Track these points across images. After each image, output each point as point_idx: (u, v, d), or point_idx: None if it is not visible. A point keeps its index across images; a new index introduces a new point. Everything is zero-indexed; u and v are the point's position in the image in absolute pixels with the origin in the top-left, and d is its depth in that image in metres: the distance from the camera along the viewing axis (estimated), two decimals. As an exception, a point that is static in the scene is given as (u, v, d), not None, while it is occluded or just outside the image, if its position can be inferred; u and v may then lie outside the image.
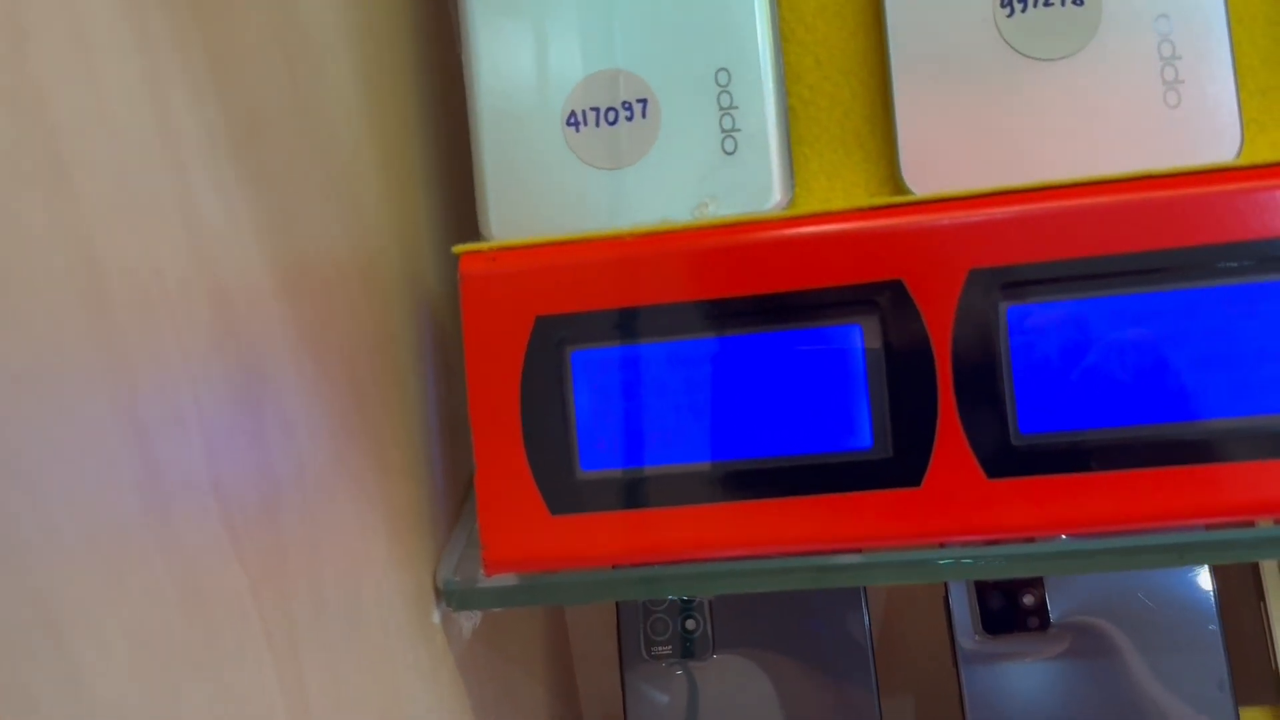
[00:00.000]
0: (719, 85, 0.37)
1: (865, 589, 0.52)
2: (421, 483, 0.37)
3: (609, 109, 0.37)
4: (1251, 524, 0.34)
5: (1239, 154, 0.35)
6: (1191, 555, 0.34)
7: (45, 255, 0.19)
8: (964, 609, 0.51)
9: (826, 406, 0.34)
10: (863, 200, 0.37)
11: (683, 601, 0.53)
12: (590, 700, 0.64)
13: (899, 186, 0.36)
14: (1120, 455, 0.33)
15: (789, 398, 0.34)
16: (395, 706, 0.33)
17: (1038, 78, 0.36)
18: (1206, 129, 0.35)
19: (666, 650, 0.53)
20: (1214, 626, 0.50)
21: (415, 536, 0.36)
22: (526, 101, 0.37)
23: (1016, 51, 0.36)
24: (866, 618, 0.53)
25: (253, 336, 0.26)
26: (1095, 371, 0.33)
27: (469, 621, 0.40)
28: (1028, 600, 0.51)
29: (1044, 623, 0.51)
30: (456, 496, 0.41)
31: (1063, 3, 0.35)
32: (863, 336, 0.34)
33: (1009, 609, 0.51)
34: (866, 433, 0.34)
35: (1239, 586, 0.50)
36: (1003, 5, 0.36)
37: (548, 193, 0.37)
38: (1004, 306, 0.33)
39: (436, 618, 0.37)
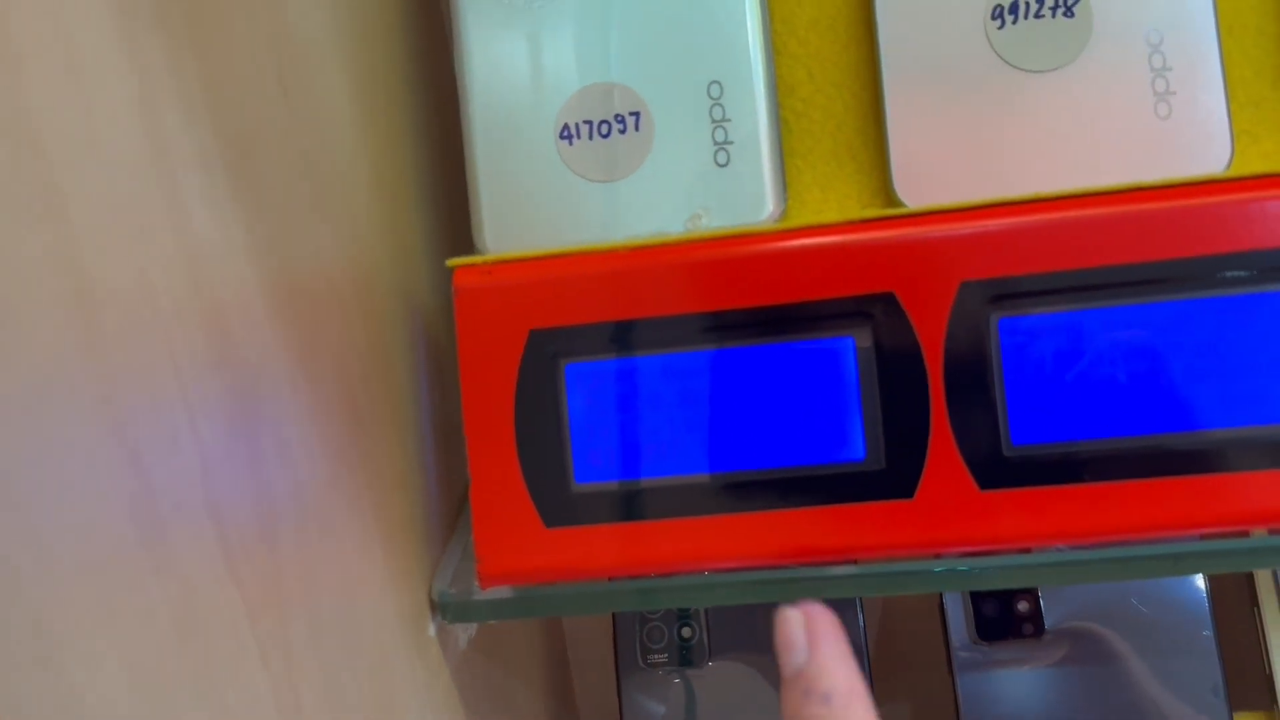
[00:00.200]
0: (711, 98, 0.37)
1: (860, 597, 0.52)
2: (417, 496, 0.37)
3: (602, 122, 0.37)
4: (1246, 534, 0.34)
5: (1230, 165, 0.35)
6: (1186, 565, 0.34)
7: (37, 280, 0.19)
8: (959, 616, 0.51)
9: (819, 418, 0.34)
10: (855, 212, 0.37)
11: (679, 609, 0.53)
12: (588, 708, 0.64)
13: (891, 198, 0.36)
14: (1112, 466, 0.33)
15: (781, 410, 0.34)
16: (391, 721, 0.33)
17: (1029, 89, 0.36)
18: (1198, 140, 0.35)
19: (663, 658, 0.53)
20: (1208, 632, 0.50)
21: (411, 550, 0.36)
22: (520, 115, 0.37)
23: (1008, 64, 0.36)
24: (862, 625, 0.53)
25: (247, 356, 0.26)
26: (1086, 383, 0.33)
27: (465, 633, 0.40)
28: (1022, 607, 0.51)
29: (1039, 629, 0.51)
30: (452, 509, 0.41)
31: (1054, 15, 0.36)
32: (855, 348, 0.34)
33: (1004, 616, 0.51)
34: (859, 444, 0.34)
35: (1233, 592, 0.50)
36: (994, 17, 0.36)
37: (541, 206, 0.37)
38: (995, 318, 0.33)
39: (432, 630, 0.37)
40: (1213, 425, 0.32)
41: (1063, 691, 0.51)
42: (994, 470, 0.33)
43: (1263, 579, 0.48)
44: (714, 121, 0.37)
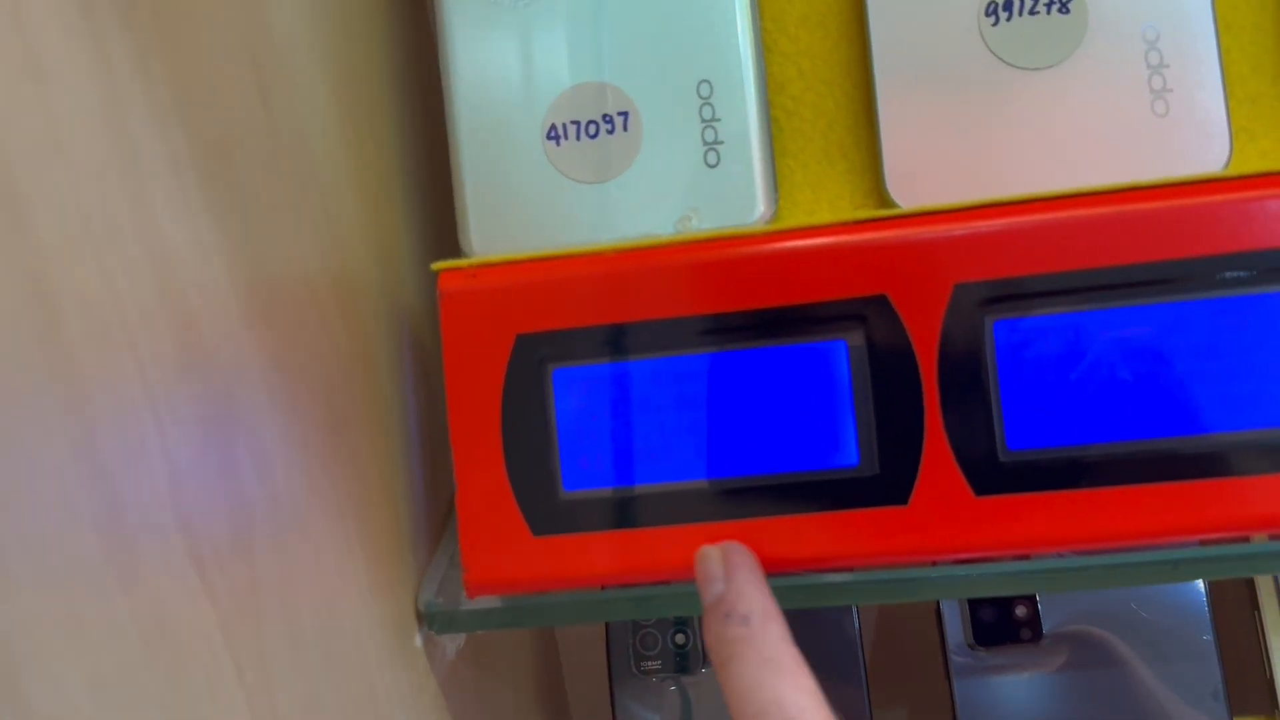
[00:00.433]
0: (701, 97, 0.36)
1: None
2: (402, 504, 0.36)
3: (590, 122, 0.37)
4: (1246, 539, 0.34)
5: (1228, 162, 0.34)
6: (1185, 571, 0.33)
7: (-3, 291, 0.18)
8: (956, 621, 0.51)
9: (812, 423, 0.33)
10: (847, 213, 0.37)
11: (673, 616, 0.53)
12: (581, 716, 0.63)
13: (884, 197, 0.36)
14: (1109, 471, 0.32)
15: (773, 415, 0.34)
16: (376, 734, 0.32)
17: (1023, 87, 0.35)
18: (1195, 137, 0.34)
19: (656, 665, 0.53)
20: (1208, 637, 0.49)
21: (395, 559, 0.35)
22: (506, 115, 0.37)
23: (1002, 61, 0.35)
24: (858, 630, 0.53)
25: (221, 365, 0.25)
26: (1083, 386, 0.32)
27: (453, 643, 0.39)
28: (1020, 612, 0.50)
29: (1036, 634, 0.50)
30: (438, 517, 0.40)
31: (1048, 11, 0.35)
32: (848, 352, 0.33)
33: (1001, 621, 0.50)
34: (853, 450, 0.33)
35: (1233, 597, 0.49)
36: (987, 14, 0.35)
37: (529, 208, 0.37)
38: (990, 321, 0.32)
39: (419, 641, 0.36)
40: (1211, 429, 0.32)
41: (1061, 697, 0.50)
42: (989, 476, 0.32)
43: (1263, 582, 0.48)
44: (704, 121, 0.36)
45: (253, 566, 0.26)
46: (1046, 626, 0.51)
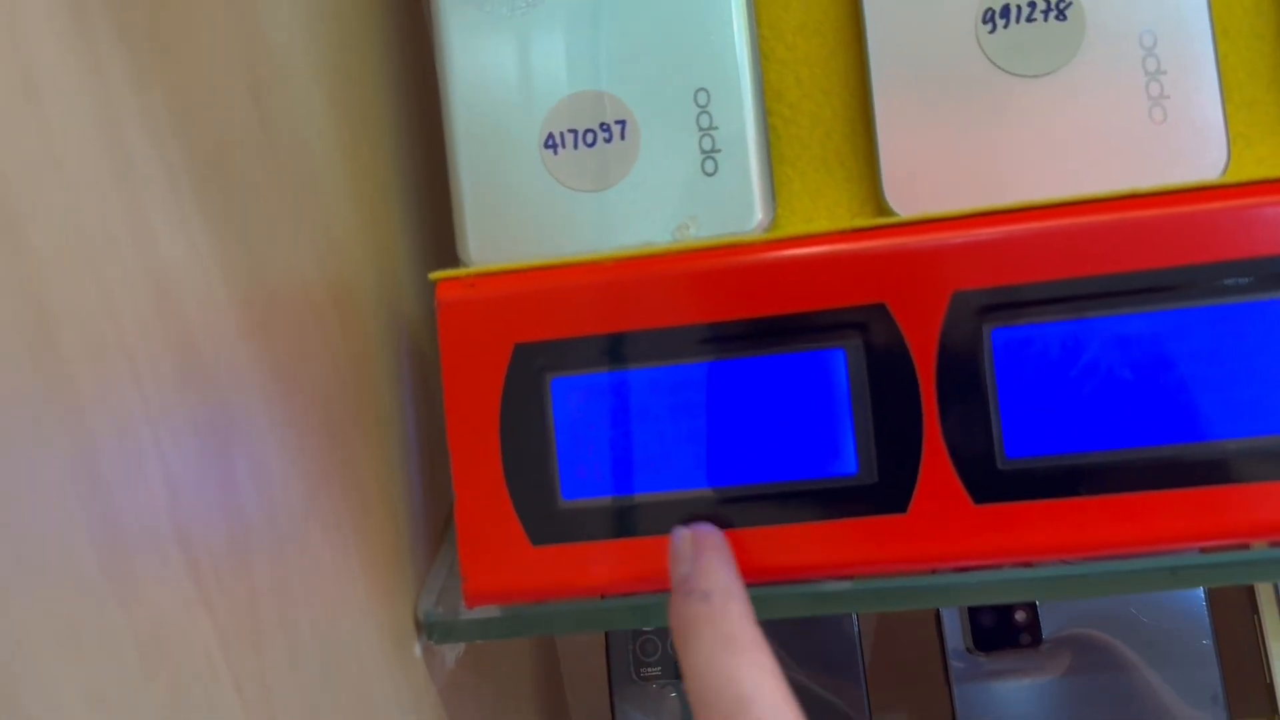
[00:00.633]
0: (699, 105, 0.36)
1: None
2: (401, 514, 0.36)
3: (587, 130, 0.37)
4: (1246, 546, 0.34)
5: (1226, 169, 0.34)
6: (1184, 578, 0.33)
7: (-6, 309, 0.18)
8: (956, 626, 0.51)
9: (810, 432, 0.33)
10: (845, 220, 0.37)
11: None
12: (581, 720, 0.63)
13: (881, 205, 0.36)
14: (1107, 479, 0.32)
15: (772, 424, 0.34)
16: (375, 745, 0.32)
17: (1021, 94, 0.35)
18: (1193, 144, 0.34)
19: (656, 671, 0.53)
20: (1208, 641, 0.49)
21: (395, 569, 0.35)
22: (504, 124, 0.37)
23: (999, 68, 0.35)
24: (858, 635, 0.52)
25: (219, 378, 0.25)
26: (1081, 394, 0.32)
27: (453, 651, 0.39)
28: (1020, 617, 0.50)
29: (1036, 639, 0.50)
30: (437, 526, 0.40)
31: (1046, 18, 0.35)
32: (846, 361, 0.33)
33: (1001, 626, 0.50)
34: (851, 459, 0.33)
35: (1233, 600, 0.49)
36: (985, 21, 0.35)
37: (527, 216, 0.37)
38: (988, 329, 0.32)
39: (418, 651, 0.36)
40: (1209, 437, 0.32)
41: (1061, 701, 0.50)
42: (988, 484, 0.32)
43: (1263, 586, 0.48)
44: (701, 129, 0.36)
45: (251, 579, 0.26)
46: (1046, 631, 0.51)
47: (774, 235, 0.35)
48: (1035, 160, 0.35)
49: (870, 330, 0.33)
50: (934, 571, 0.34)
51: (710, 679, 0.28)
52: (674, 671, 0.52)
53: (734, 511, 0.34)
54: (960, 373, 0.33)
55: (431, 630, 0.36)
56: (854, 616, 0.52)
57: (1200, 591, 0.50)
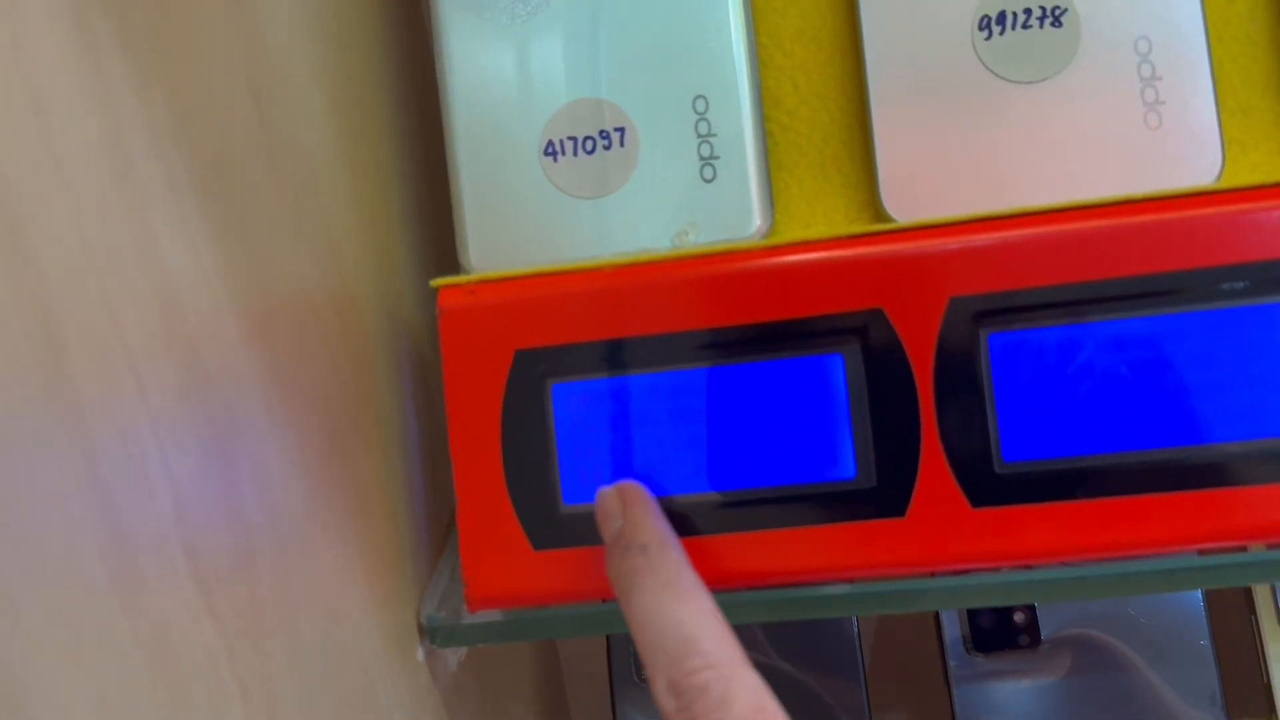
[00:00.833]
0: (697, 112, 0.36)
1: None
2: (403, 519, 0.37)
3: (587, 138, 0.37)
4: (1243, 548, 0.34)
5: (1220, 174, 0.34)
6: (1181, 580, 0.34)
7: (1, 326, 0.18)
8: (955, 628, 0.51)
9: (809, 437, 0.34)
10: (843, 226, 0.37)
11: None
12: (582, 722, 0.63)
13: (879, 211, 0.36)
14: (1104, 482, 0.32)
15: (771, 428, 0.34)
16: (378, 748, 0.33)
17: (1017, 101, 0.35)
18: (1188, 150, 0.35)
19: (657, 674, 0.53)
20: (1205, 641, 0.50)
21: (397, 574, 0.35)
22: (504, 132, 0.37)
23: (995, 75, 0.35)
24: (857, 636, 0.53)
25: (222, 386, 0.25)
26: (1078, 398, 0.32)
27: (455, 655, 0.40)
28: (1018, 618, 0.50)
29: (1035, 640, 0.50)
30: (439, 531, 0.40)
31: (1041, 25, 0.35)
32: (844, 366, 0.33)
33: (1000, 627, 0.51)
34: (850, 463, 0.33)
35: (1230, 601, 0.50)
36: (981, 28, 0.35)
37: (527, 223, 0.37)
38: (985, 334, 0.33)
39: (421, 655, 0.36)
40: (1206, 440, 0.32)
41: (1060, 702, 0.50)
42: (985, 488, 0.33)
43: (1260, 588, 0.48)
44: (699, 136, 0.36)
45: (255, 585, 0.26)
46: (1045, 632, 0.51)
47: (772, 241, 0.35)
48: (1032, 166, 0.35)
49: (868, 335, 0.33)
50: (932, 575, 0.34)
51: (657, 624, 0.29)
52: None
53: (733, 516, 0.34)
54: (958, 377, 0.33)
55: (433, 634, 0.36)
56: (853, 617, 0.52)
57: (1198, 592, 0.50)
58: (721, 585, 0.34)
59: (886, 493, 0.33)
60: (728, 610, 0.35)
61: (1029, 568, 0.34)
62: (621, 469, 0.35)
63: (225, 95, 0.28)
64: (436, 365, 0.36)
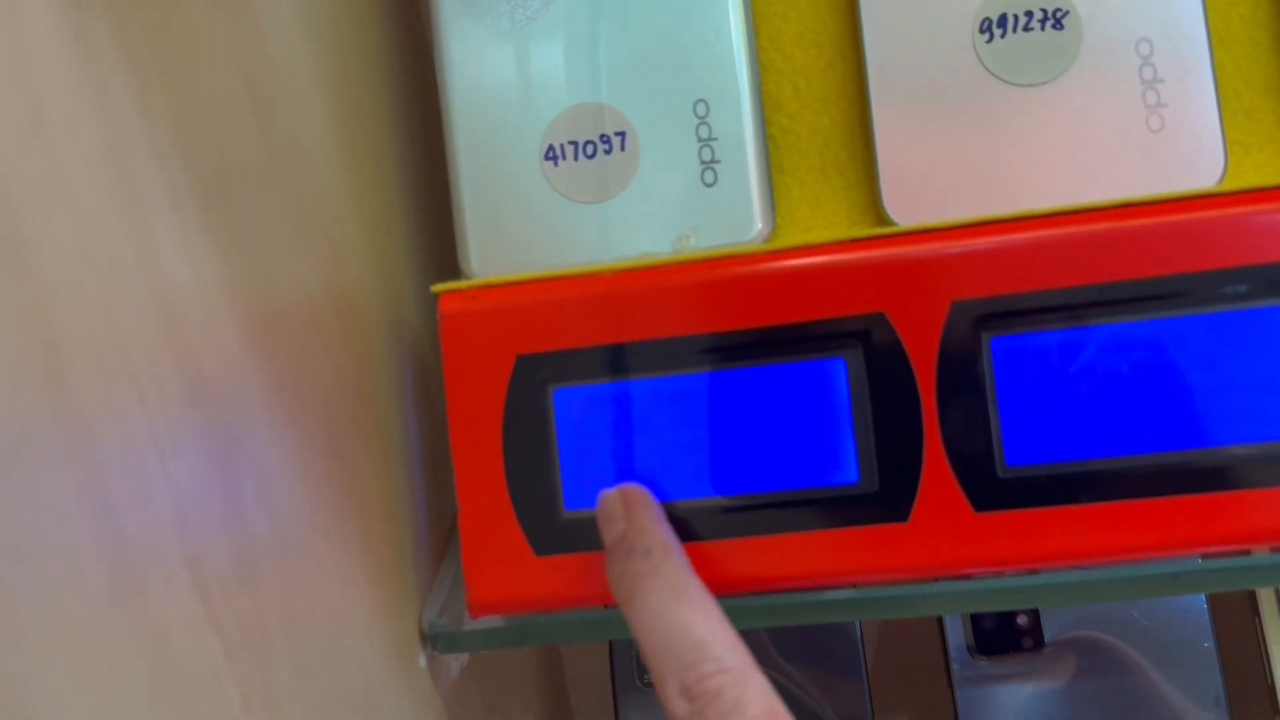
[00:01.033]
0: (698, 116, 0.36)
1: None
2: (405, 525, 0.37)
3: (587, 142, 0.37)
4: (1247, 552, 0.34)
5: (1223, 176, 0.34)
6: (1185, 584, 0.34)
7: (3, 335, 0.18)
8: (958, 631, 0.51)
9: (811, 441, 0.34)
10: (844, 229, 0.37)
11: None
12: (585, 726, 0.63)
13: (880, 214, 0.36)
14: (1107, 486, 0.32)
15: (773, 433, 0.34)
16: (381, 756, 0.33)
17: (1019, 103, 0.35)
18: (1190, 152, 0.35)
19: (660, 677, 0.53)
20: (1209, 644, 0.49)
21: (399, 580, 0.35)
22: (504, 136, 0.37)
23: (996, 77, 0.35)
24: (860, 639, 0.53)
25: (224, 396, 0.25)
26: (1081, 402, 0.32)
27: (457, 661, 0.40)
28: (1022, 621, 0.50)
29: (1038, 643, 0.50)
30: (441, 537, 0.40)
31: (1042, 27, 0.35)
32: (846, 370, 0.33)
33: (1003, 630, 0.50)
34: (853, 467, 0.33)
35: (1234, 603, 0.50)
36: (982, 30, 0.35)
37: (528, 228, 0.37)
38: (987, 338, 0.33)
39: (423, 661, 0.36)
40: (1210, 443, 0.32)
41: (1063, 705, 0.50)
42: (988, 492, 0.33)
43: (1264, 589, 0.48)
44: (700, 140, 0.36)
45: (257, 595, 0.26)
46: (1048, 635, 0.51)
47: (774, 245, 0.35)
48: (1033, 169, 0.35)
49: (870, 339, 0.33)
50: (935, 579, 0.34)
51: (666, 628, 0.29)
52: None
53: (735, 521, 0.34)
54: (960, 381, 0.33)
55: (436, 641, 0.36)
56: (856, 621, 0.52)
57: (1202, 595, 0.50)
58: (724, 591, 0.34)
59: (889, 497, 0.33)
60: (731, 615, 0.35)
61: (1032, 572, 0.34)
62: (623, 474, 0.34)
63: (226, 104, 0.27)
64: (438, 371, 0.36)
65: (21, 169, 0.19)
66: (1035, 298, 0.32)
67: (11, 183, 0.19)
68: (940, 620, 0.51)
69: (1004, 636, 0.51)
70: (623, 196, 0.37)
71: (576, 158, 0.37)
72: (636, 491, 0.33)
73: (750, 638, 0.52)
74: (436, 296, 0.36)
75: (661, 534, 0.32)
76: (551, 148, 0.37)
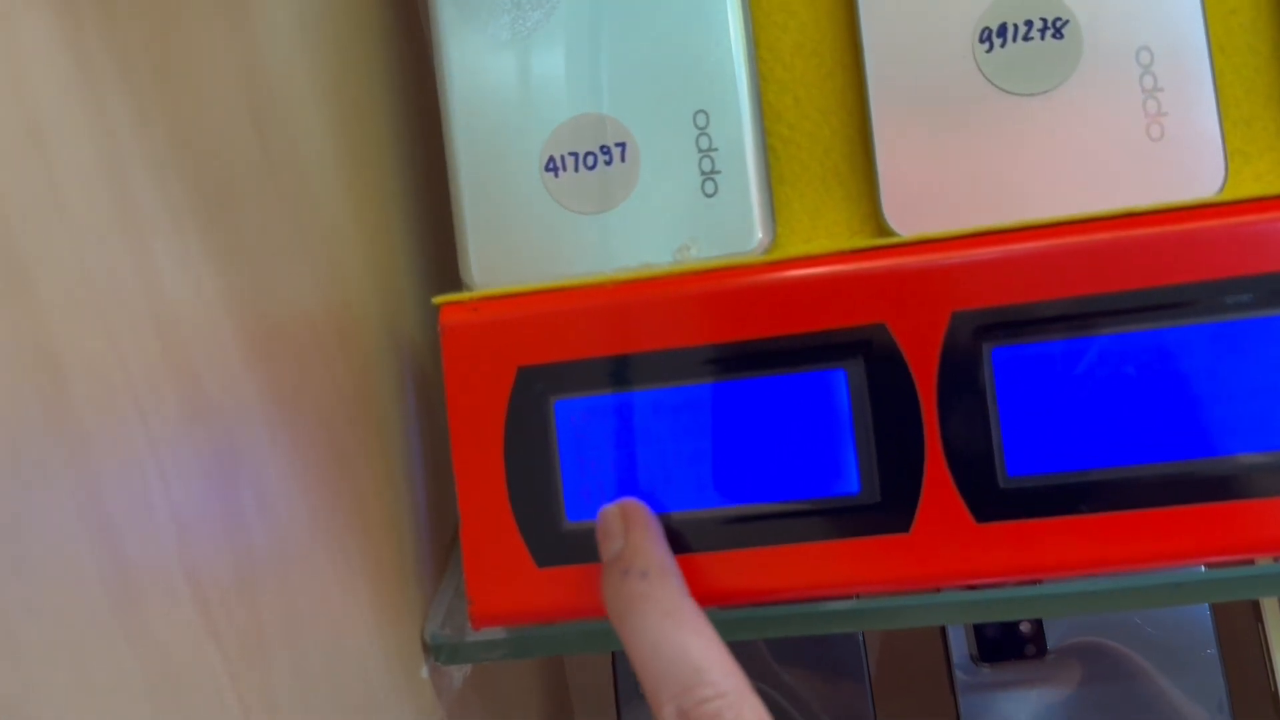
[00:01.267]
0: (698, 127, 0.36)
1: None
2: (406, 537, 0.37)
3: (588, 153, 0.37)
4: (1250, 561, 0.34)
5: (1223, 186, 0.34)
6: (1188, 594, 0.33)
7: (2, 353, 0.18)
8: (961, 639, 0.51)
9: (812, 452, 0.34)
10: (845, 240, 0.37)
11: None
12: (588, 734, 0.63)
13: (881, 224, 0.36)
14: (1109, 496, 0.32)
15: (774, 444, 0.34)
16: (383, 768, 0.32)
17: (1019, 113, 0.35)
18: (1190, 161, 0.35)
19: (662, 686, 0.53)
20: (1212, 650, 0.49)
21: (400, 592, 0.35)
22: (504, 148, 0.37)
23: (997, 87, 0.35)
24: (863, 646, 0.53)
25: (224, 410, 0.25)
26: (1081, 412, 0.32)
27: (459, 673, 0.40)
28: (1025, 628, 0.50)
29: (1041, 650, 0.50)
30: (443, 549, 0.40)
31: (1043, 37, 0.35)
32: (847, 381, 0.33)
33: (1006, 637, 0.50)
34: (854, 478, 0.33)
35: (1237, 610, 0.49)
36: (982, 40, 0.35)
37: (528, 239, 0.37)
38: (988, 348, 0.33)
39: (425, 673, 0.36)
40: (1212, 453, 0.32)
41: (1067, 712, 0.50)
42: (990, 502, 0.33)
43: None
44: (700, 151, 0.36)
45: (258, 608, 0.26)
46: (1051, 642, 0.51)
47: (774, 256, 0.35)
48: (1034, 179, 0.35)
49: (871, 350, 0.33)
50: (937, 590, 0.34)
51: (663, 652, 0.29)
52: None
53: (737, 532, 0.34)
54: (961, 392, 0.33)
55: (438, 652, 0.36)
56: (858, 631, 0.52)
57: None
58: (725, 602, 0.34)
59: (890, 508, 0.33)
60: (732, 627, 0.35)
61: (1034, 582, 0.34)
62: (624, 485, 0.34)
63: (225, 120, 0.28)
64: (439, 383, 0.36)
65: (19, 185, 0.19)
66: (1036, 308, 0.32)
67: (9, 199, 0.19)
68: (943, 628, 0.51)
69: (1007, 644, 0.50)
70: (623, 207, 0.37)
71: (577, 168, 0.37)
72: (637, 509, 0.33)
73: (750, 649, 0.52)
74: (437, 308, 0.36)
75: (659, 555, 0.32)
76: (552, 158, 0.37)
